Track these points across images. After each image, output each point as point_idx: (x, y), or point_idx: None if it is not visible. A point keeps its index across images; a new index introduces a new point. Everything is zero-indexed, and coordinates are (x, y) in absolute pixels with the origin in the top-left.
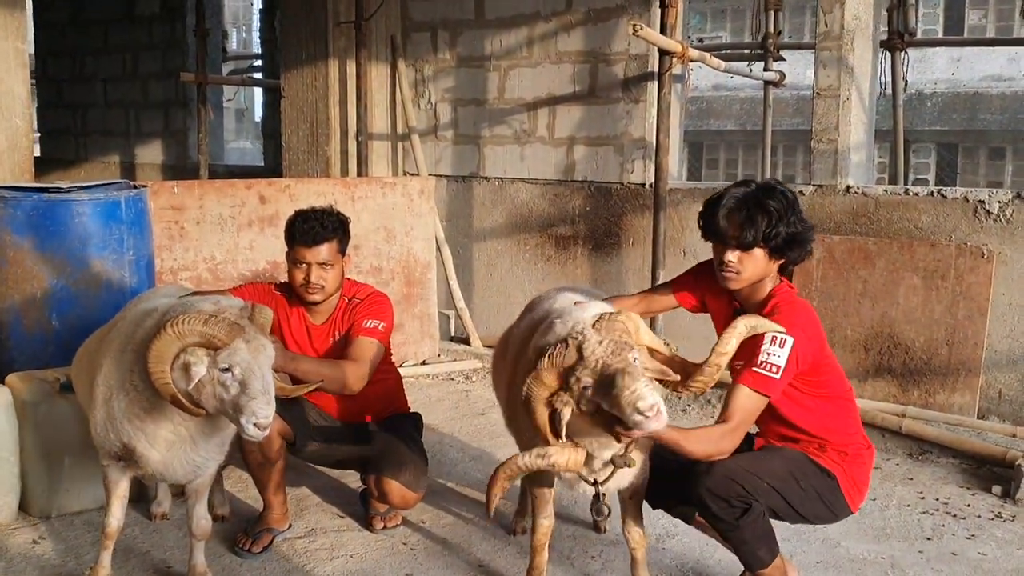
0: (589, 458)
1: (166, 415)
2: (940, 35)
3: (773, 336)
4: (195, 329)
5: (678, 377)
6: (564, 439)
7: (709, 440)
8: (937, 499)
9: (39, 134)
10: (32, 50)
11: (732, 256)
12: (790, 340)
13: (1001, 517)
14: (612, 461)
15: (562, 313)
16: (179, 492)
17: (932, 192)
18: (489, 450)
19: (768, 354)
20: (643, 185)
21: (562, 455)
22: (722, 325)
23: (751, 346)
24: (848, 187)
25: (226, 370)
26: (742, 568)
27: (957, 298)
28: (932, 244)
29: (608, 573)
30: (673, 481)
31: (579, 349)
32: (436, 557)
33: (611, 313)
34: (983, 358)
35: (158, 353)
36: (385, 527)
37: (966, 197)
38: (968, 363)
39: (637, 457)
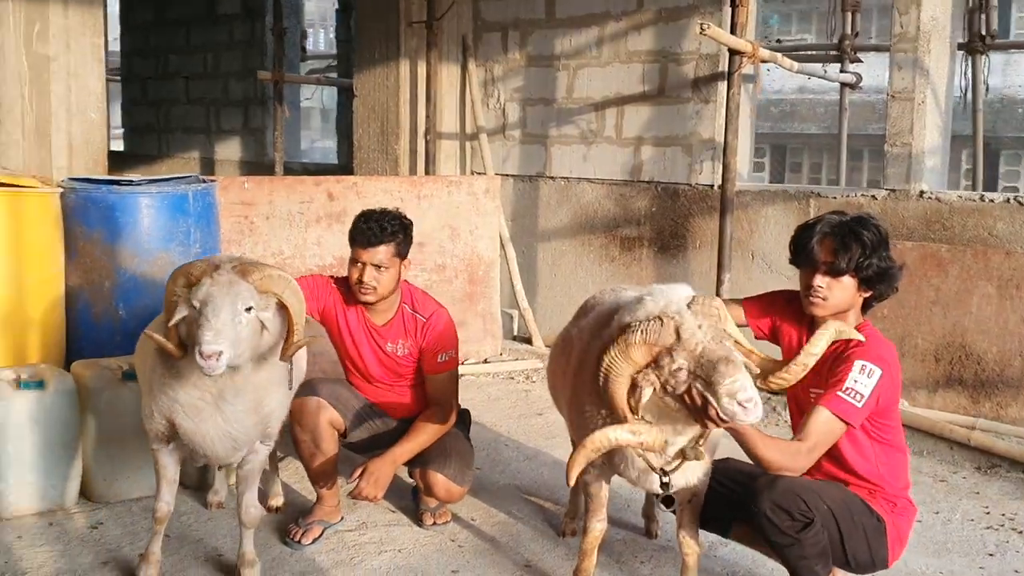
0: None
1: (191, 380)
2: None
3: (863, 365)
4: (182, 270)
5: (758, 371)
6: (639, 417)
7: (784, 452)
8: (1003, 515)
9: (123, 130)
10: (118, 49)
11: (821, 281)
12: (878, 372)
13: None
14: (683, 452)
15: (651, 291)
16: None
17: (1008, 199)
18: (544, 450)
19: (855, 381)
20: (711, 186)
21: (651, 433)
22: (791, 356)
23: (838, 372)
24: (922, 192)
25: (194, 306)
26: None
27: None
28: (1007, 252)
29: None
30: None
31: (677, 330)
32: (483, 555)
33: (704, 296)
34: None
35: (166, 300)
36: (435, 523)
37: None
38: None
39: (706, 453)
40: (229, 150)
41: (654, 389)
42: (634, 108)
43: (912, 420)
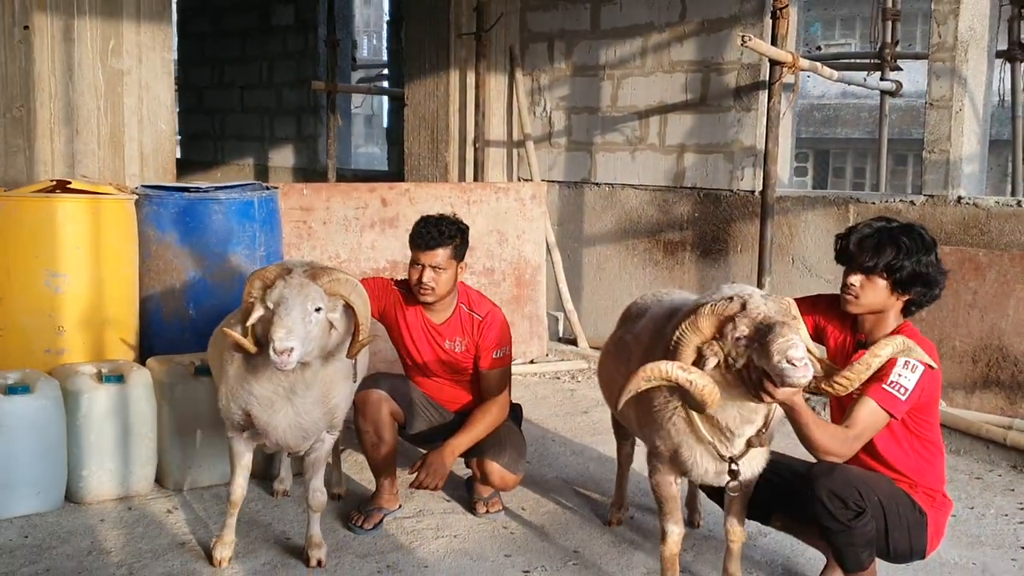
0: (727, 435)
1: (265, 375)
2: None
3: (906, 360)
4: (258, 274)
5: (821, 372)
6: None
7: (834, 436)
8: None
9: (180, 137)
10: (176, 58)
11: (854, 279)
12: (921, 368)
13: None
14: (748, 441)
15: (729, 284)
16: (299, 472)
17: None
18: (591, 446)
19: (899, 375)
20: (752, 192)
21: (704, 379)
22: (836, 356)
23: (883, 366)
24: (960, 198)
25: (268, 308)
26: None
27: None
28: None
29: (699, 565)
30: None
31: (743, 304)
32: (534, 542)
33: (780, 295)
34: None
35: (244, 300)
36: (488, 512)
37: None
38: None
39: (767, 441)
40: (282, 157)
41: (717, 362)
42: (677, 116)
43: (950, 420)
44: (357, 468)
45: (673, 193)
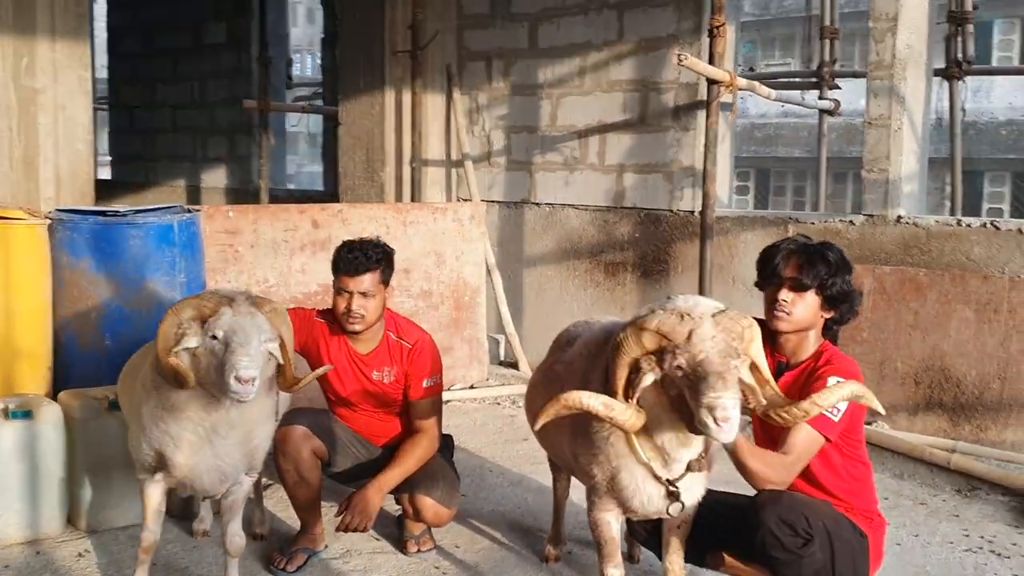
0: (665, 458)
1: (186, 414)
2: (1017, 63)
3: (837, 381)
4: (189, 303)
5: (764, 401)
6: (634, 404)
7: (771, 464)
8: (982, 537)
9: (111, 159)
10: (106, 77)
11: (786, 296)
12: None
13: None
14: (689, 465)
15: (681, 296)
16: (220, 511)
17: (985, 223)
18: (530, 475)
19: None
20: (692, 212)
21: (625, 413)
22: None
23: (813, 388)
24: (899, 217)
25: (214, 337)
26: None
27: (1010, 332)
28: (985, 276)
29: None
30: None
31: (691, 333)
32: None
33: (738, 313)
34: None
35: (162, 333)
36: (419, 550)
37: (1020, 229)
38: (1021, 398)
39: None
40: (215, 178)
41: (655, 379)
42: (616, 136)
43: (892, 443)
44: (282, 505)
45: (613, 213)
